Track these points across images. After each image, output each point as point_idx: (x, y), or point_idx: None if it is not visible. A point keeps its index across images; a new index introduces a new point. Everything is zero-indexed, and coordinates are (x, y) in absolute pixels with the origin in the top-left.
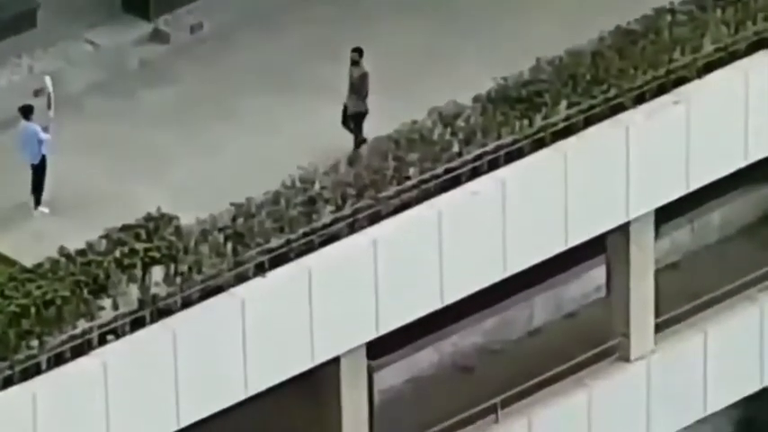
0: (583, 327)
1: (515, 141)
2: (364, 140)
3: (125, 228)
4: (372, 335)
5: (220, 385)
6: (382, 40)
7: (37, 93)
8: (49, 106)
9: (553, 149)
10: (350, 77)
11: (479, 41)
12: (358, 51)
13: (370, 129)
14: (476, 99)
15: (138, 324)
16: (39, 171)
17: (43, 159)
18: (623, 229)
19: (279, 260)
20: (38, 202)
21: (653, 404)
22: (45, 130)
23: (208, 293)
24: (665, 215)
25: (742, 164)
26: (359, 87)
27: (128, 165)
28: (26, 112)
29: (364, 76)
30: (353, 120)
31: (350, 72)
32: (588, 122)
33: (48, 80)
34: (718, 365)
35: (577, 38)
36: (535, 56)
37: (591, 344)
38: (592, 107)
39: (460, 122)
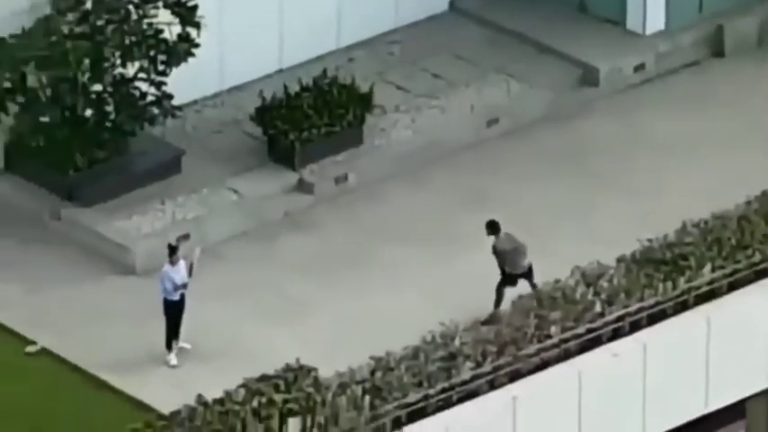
0: None
1: (658, 303)
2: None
3: (264, 378)
4: None
5: None
6: (525, 191)
7: (179, 240)
8: (189, 273)
9: (696, 312)
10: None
11: (618, 197)
12: (492, 226)
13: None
14: (620, 259)
15: None
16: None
17: (176, 303)
18: (764, 395)
19: (416, 415)
20: (168, 346)
21: None
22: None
23: None
24: None
25: None
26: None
27: (267, 312)
28: (171, 251)
29: (498, 252)
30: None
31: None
32: (732, 287)
33: (198, 251)
34: None
35: (718, 203)
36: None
37: None
38: (736, 271)
39: (604, 283)
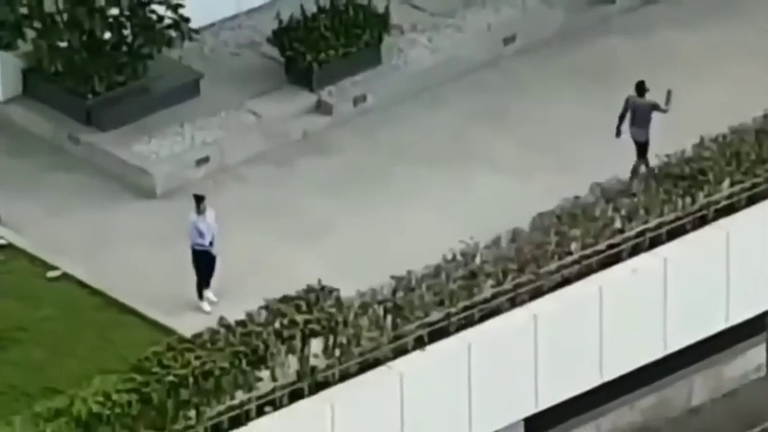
0: (743, 407)
1: (677, 219)
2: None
3: (285, 299)
4: (531, 410)
5: None
6: (544, 109)
7: (199, 163)
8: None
9: (716, 227)
10: (631, 107)
11: None
12: (641, 84)
13: (529, 201)
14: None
15: (296, 396)
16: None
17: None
18: None
19: (438, 334)
20: (199, 295)
21: None
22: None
23: (366, 367)
24: None
25: None
26: (642, 117)
27: (287, 233)
28: (198, 201)
29: (651, 106)
30: (636, 147)
31: (631, 101)
32: (751, 201)
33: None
34: None
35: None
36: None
37: (750, 424)
38: (755, 185)
39: (624, 199)
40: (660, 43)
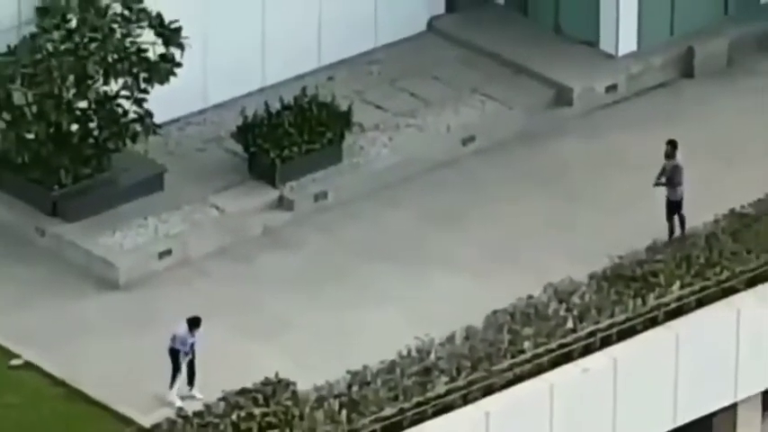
0: None
1: (628, 319)
2: (682, 222)
3: (243, 391)
4: None
5: None
6: (500, 209)
7: (161, 255)
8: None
9: (665, 329)
10: (663, 168)
11: (590, 214)
12: (672, 144)
13: (484, 300)
14: (591, 276)
15: None
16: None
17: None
18: (731, 410)
19: (392, 429)
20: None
21: None
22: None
23: None
24: None
25: None
26: (671, 177)
27: (247, 327)
28: (191, 324)
29: (676, 168)
30: (667, 207)
31: (664, 164)
32: (700, 303)
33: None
34: None
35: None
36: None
37: None
38: (704, 288)
39: (575, 299)
40: (615, 146)
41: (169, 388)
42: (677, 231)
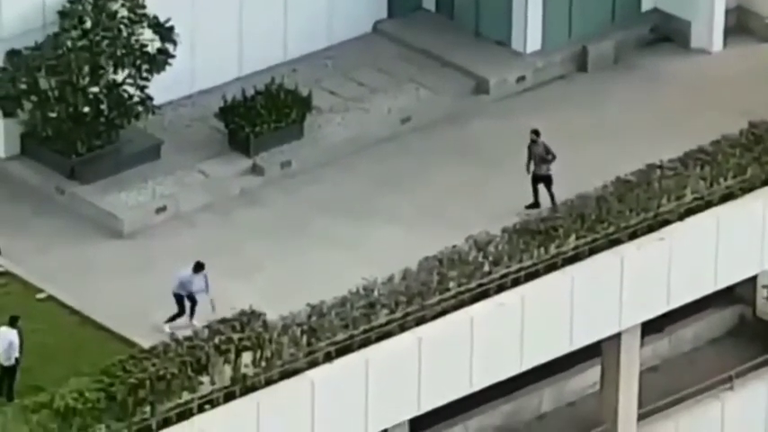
0: (580, 414)
1: (533, 265)
2: (552, 197)
3: (223, 320)
4: (414, 413)
5: None
6: (431, 175)
7: (158, 211)
8: (212, 309)
9: (563, 273)
10: (531, 152)
11: (503, 179)
12: (535, 132)
13: (418, 248)
14: (504, 230)
15: (229, 397)
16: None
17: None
18: (616, 338)
19: (343, 351)
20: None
21: None
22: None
23: (286, 375)
24: (649, 328)
25: (712, 289)
26: (542, 157)
27: (227, 269)
28: (196, 268)
29: (544, 150)
30: (543, 182)
31: (531, 149)
32: (592, 252)
33: (211, 303)
34: None
35: (580, 186)
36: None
37: (586, 428)
38: (595, 240)
39: (491, 248)
40: (523, 126)
41: (165, 322)
42: (544, 204)
